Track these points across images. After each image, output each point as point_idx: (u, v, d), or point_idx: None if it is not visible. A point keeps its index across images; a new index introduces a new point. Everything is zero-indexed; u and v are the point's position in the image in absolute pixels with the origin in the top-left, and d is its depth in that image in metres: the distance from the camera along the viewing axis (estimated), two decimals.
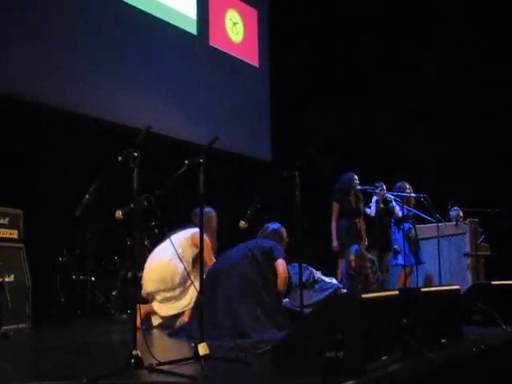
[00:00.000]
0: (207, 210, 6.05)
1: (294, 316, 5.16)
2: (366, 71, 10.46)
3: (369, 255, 7.39)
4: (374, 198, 8.04)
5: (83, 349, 4.52)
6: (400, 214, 7.92)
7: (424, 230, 8.10)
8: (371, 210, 8.05)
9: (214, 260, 5.68)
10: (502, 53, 9.61)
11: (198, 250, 5.43)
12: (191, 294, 5.62)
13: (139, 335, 3.20)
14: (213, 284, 4.96)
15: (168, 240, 5.59)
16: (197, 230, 5.48)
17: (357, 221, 7.82)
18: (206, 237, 5.49)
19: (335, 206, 7.82)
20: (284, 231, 5.77)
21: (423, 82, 10.08)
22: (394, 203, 7.97)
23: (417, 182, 8.26)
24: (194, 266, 5.70)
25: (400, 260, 7.82)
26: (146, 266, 5.70)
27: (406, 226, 7.86)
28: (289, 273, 5.35)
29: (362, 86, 10.41)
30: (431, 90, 9.99)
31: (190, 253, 5.70)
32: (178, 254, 5.34)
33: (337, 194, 7.84)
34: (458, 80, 9.80)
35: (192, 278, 5.51)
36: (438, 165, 9.84)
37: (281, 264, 5.23)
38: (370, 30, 10.32)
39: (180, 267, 5.47)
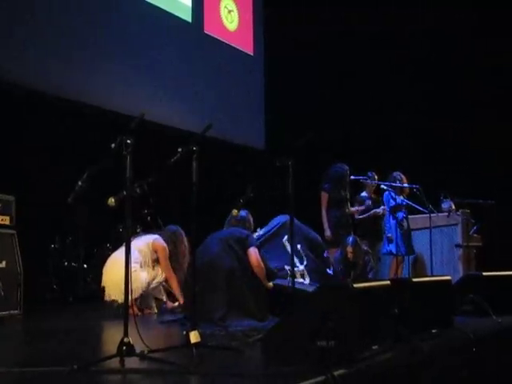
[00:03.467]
0: (175, 228, 6.23)
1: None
2: (364, 59, 10.41)
3: (363, 246, 7.41)
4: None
5: (74, 335, 4.52)
6: (393, 203, 7.93)
7: (416, 220, 8.11)
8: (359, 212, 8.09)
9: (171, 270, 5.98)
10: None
11: (157, 256, 5.92)
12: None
13: (131, 322, 3.20)
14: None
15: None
16: (157, 236, 6.02)
17: (347, 210, 7.82)
18: (162, 243, 5.95)
19: (324, 196, 7.78)
20: (251, 218, 5.82)
21: (418, 73, 10.09)
22: (388, 193, 7.97)
23: (409, 172, 8.26)
24: (153, 268, 5.95)
25: (392, 248, 7.84)
26: (108, 269, 5.84)
27: (400, 215, 7.87)
28: (264, 261, 5.36)
29: (357, 73, 10.38)
30: (425, 79, 10.00)
31: (150, 257, 5.94)
32: (139, 262, 5.75)
33: (328, 184, 7.81)
34: (450, 68, 9.82)
35: (155, 279, 5.90)
36: (430, 155, 9.85)
37: (253, 253, 5.23)
38: (365, 18, 10.28)
39: (142, 277, 5.75)
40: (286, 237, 5.83)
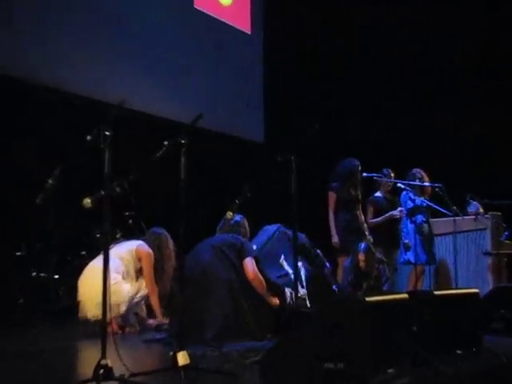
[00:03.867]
0: (160, 231, 6.31)
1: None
2: (370, 39, 10.43)
3: (377, 253, 7.40)
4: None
5: (44, 357, 4.51)
6: (411, 205, 7.92)
7: (439, 224, 8.11)
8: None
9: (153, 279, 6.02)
10: None
11: (141, 265, 5.98)
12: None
13: (109, 342, 3.20)
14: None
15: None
16: (141, 242, 6.10)
17: (358, 213, 7.79)
18: (147, 249, 6.03)
19: (331, 196, 7.76)
20: (246, 223, 5.87)
21: (436, 63, 10.16)
22: (405, 193, 7.97)
23: (430, 169, 8.25)
24: (137, 279, 6.00)
25: (410, 256, 7.82)
26: (85, 281, 5.83)
27: (419, 218, 7.85)
28: (262, 273, 5.37)
29: (366, 54, 10.40)
30: (449, 72, 10.05)
31: (133, 266, 6.00)
32: (122, 272, 5.82)
33: (336, 182, 7.79)
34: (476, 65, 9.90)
35: (138, 293, 5.92)
36: (455, 151, 9.86)
37: (249, 264, 5.27)
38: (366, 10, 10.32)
39: (125, 290, 5.79)
40: (282, 256, 5.86)
